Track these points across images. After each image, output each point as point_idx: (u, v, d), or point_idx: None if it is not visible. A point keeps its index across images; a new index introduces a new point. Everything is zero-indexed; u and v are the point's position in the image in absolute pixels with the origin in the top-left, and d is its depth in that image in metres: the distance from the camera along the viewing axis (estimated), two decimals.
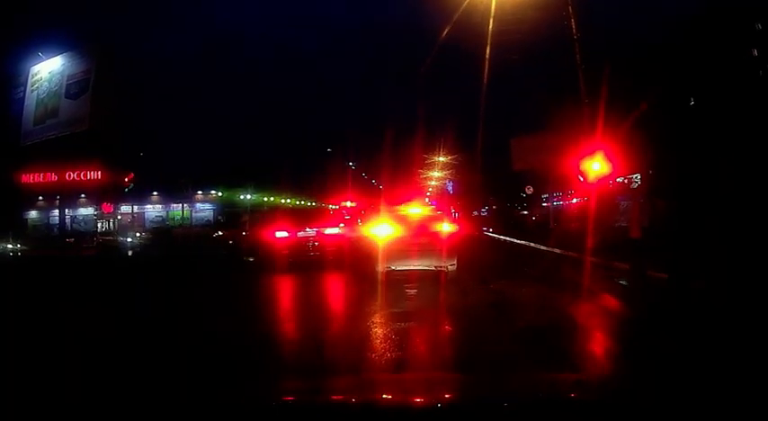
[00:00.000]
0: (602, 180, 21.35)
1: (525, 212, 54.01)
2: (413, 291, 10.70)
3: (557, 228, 35.02)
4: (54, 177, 54.32)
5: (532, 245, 23.12)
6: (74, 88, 32.43)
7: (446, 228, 12.30)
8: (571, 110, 27.47)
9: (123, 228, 51.29)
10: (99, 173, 53.61)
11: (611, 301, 9.83)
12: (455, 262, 11.99)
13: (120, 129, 37.71)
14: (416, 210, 13.22)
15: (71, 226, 54.53)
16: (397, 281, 11.62)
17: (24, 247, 41.80)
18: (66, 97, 33.07)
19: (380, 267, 11.95)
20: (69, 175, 54.81)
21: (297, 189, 53.45)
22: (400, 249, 11.95)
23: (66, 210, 55.80)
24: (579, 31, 21.13)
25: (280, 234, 17.93)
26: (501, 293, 10.19)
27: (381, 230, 12.38)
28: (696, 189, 19.94)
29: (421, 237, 12.08)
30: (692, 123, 21.45)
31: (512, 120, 40.53)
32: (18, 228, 49.50)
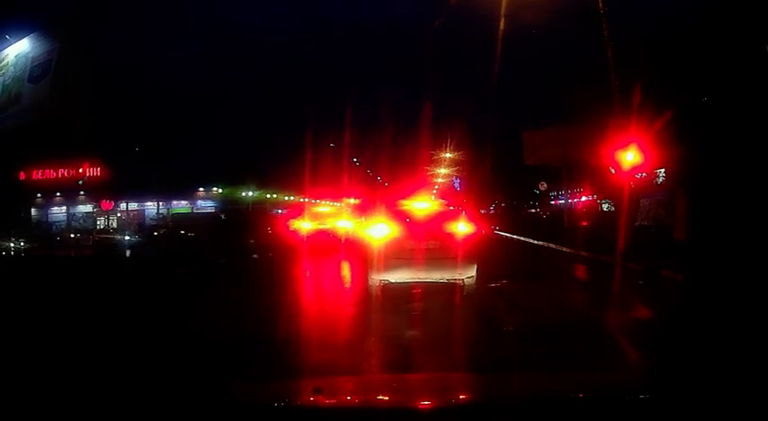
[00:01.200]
0: (635, 171, 18.20)
1: (533, 210, 50.87)
2: (416, 316, 7.51)
3: (570, 226, 31.91)
4: (52, 174, 51.92)
5: (553, 246, 20.02)
6: (37, 71, 29.09)
7: (462, 227, 9.13)
8: (592, 99, 24.36)
9: (123, 226, 48.46)
10: (98, 169, 51.04)
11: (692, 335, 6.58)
12: (473, 273, 8.84)
13: (92, 118, 34.45)
14: (423, 204, 9.98)
15: (69, 223, 51.75)
16: (397, 299, 8.51)
17: (28, 246, 38.82)
18: (28, 81, 29.72)
19: (375, 279, 8.82)
20: (69, 172, 52.35)
21: (298, 186, 50.45)
22: (402, 256, 8.81)
23: (65, 208, 53.17)
24: (606, 6, 18.08)
25: (306, 225, 22.27)
26: (538, 318, 7.02)
27: (377, 231, 9.21)
28: (748, 184, 16.63)
29: (429, 241, 8.91)
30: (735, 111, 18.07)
31: (524, 114, 37.32)
32: (22, 227, 46.51)
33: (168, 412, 2.25)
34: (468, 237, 9.09)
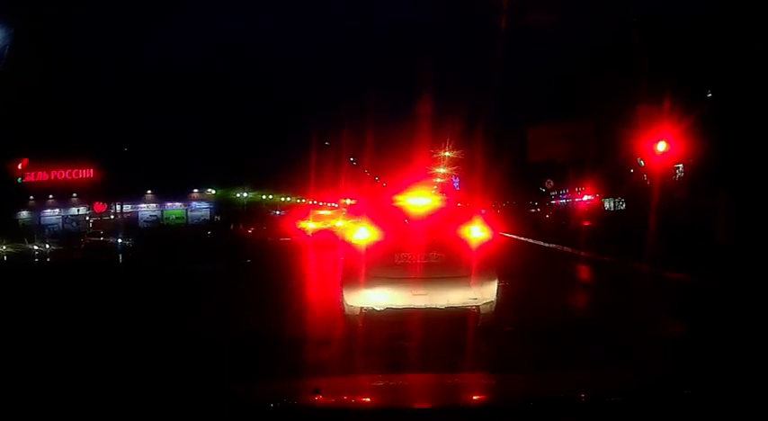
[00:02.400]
0: (668, 162, 15.43)
1: (533, 210, 48.05)
2: (409, 372, 4.66)
3: (574, 226, 29.08)
4: (45, 176, 49.27)
5: (568, 250, 17.16)
6: None
7: (477, 232, 6.30)
8: (606, 90, 21.67)
9: (117, 228, 45.75)
10: (90, 170, 48.35)
11: None
12: (493, 296, 6.03)
13: (57, 112, 31.80)
14: (423, 200, 7.09)
15: (62, 226, 49.00)
16: (381, 338, 5.68)
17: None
18: None
19: (353, 307, 6.02)
20: (61, 174, 49.67)
21: (294, 186, 47.70)
22: (392, 273, 6.01)
23: (59, 210, 50.45)
24: None
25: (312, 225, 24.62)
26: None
27: (357, 238, 6.37)
28: None
29: (431, 251, 6.07)
30: None
31: (526, 110, 34.56)
32: (10, 230, 43.85)
33: (169, 412, 2.15)
34: (484, 246, 6.27)
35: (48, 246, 36.33)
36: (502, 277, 6.35)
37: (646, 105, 14.48)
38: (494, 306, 6.08)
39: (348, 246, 6.50)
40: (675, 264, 11.00)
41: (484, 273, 5.99)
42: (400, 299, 5.87)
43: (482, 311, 6.00)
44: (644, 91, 15.60)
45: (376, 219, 6.51)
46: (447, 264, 6.00)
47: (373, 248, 6.16)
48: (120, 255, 30.80)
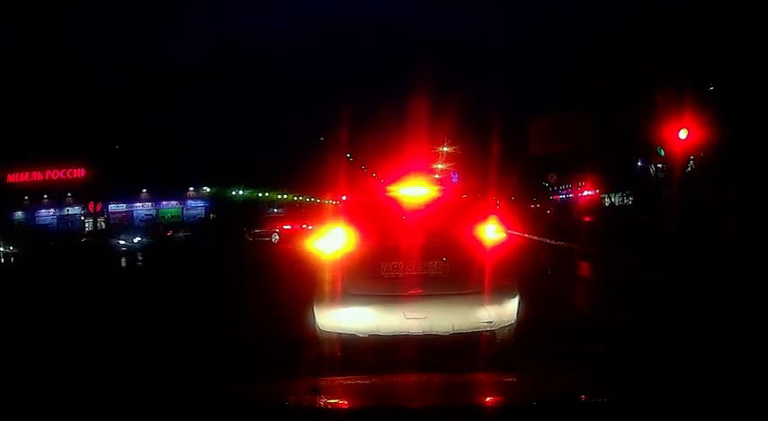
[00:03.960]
0: (690, 152, 13.93)
1: (533, 205, 46.55)
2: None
3: (576, 222, 27.59)
4: (39, 175, 47.78)
5: (583, 249, 15.50)
6: None
7: (491, 232, 4.72)
8: (618, 78, 20.26)
9: (112, 229, 44.20)
10: (82, 170, 46.80)
11: None
12: (513, 315, 4.49)
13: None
14: (419, 190, 5.44)
15: (57, 226, 47.44)
16: (365, 372, 4.06)
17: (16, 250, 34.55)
18: None
19: (328, 332, 4.44)
20: (56, 174, 48.11)
21: (290, 184, 46.20)
22: (378, 288, 4.42)
23: (54, 210, 48.89)
24: None
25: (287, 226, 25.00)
26: None
27: (331, 242, 4.81)
28: None
29: (431, 259, 4.48)
30: None
31: (528, 103, 33.11)
32: (6, 230, 42.23)
33: (169, 412, 2.06)
34: (499, 250, 4.68)
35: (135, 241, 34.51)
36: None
37: (666, 93, 12.99)
38: (513, 329, 4.51)
39: (321, 253, 4.89)
40: (689, 261, 10.05)
41: (502, 288, 4.43)
42: (389, 322, 4.28)
43: (498, 337, 4.43)
44: (653, 82, 14.24)
45: (357, 217, 4.93)
46: (452, 275, 4.42)
47: (354, 256, 4.57)
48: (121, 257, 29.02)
